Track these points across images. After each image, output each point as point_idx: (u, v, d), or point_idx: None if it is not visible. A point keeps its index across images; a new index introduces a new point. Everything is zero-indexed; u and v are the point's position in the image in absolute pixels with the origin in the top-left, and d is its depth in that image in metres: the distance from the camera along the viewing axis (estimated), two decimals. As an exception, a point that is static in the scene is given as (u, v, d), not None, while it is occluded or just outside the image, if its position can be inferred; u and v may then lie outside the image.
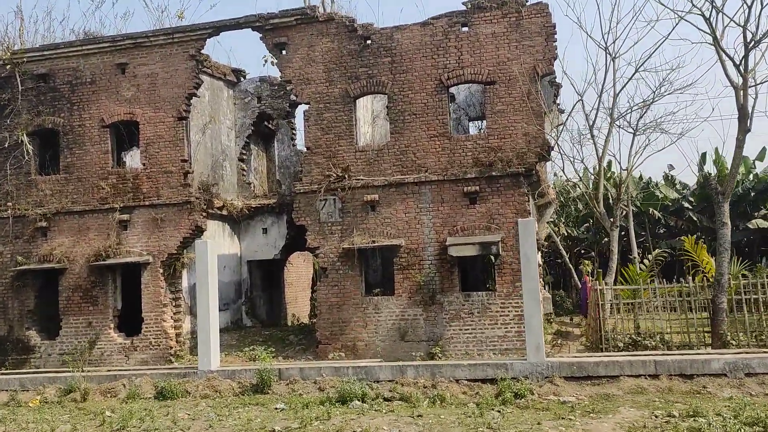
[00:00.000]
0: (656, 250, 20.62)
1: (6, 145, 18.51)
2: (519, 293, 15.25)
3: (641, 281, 15.24)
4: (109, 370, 14.46)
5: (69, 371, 13.73)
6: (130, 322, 17.77)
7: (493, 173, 15.59)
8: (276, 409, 10.73)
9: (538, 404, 10.85)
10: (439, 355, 15.20)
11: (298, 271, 25.05)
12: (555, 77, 18.75)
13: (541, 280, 19.24)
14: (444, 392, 11.22)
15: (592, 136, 16.60)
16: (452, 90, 20.05)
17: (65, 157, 18.27)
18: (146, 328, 17.24)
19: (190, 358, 16.80)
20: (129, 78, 18.03)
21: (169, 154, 17.57)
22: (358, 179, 16.32)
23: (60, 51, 18.41)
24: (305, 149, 17.05)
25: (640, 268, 17.55)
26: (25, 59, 18.48)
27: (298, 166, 17.40)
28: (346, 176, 16.36)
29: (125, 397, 11.82)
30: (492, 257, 15.74)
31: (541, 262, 19.71)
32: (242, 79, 21.91)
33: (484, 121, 19.30)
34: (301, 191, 16.71)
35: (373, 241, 16.04)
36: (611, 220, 17.14)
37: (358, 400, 10.84)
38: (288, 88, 18.62)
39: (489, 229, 15.53)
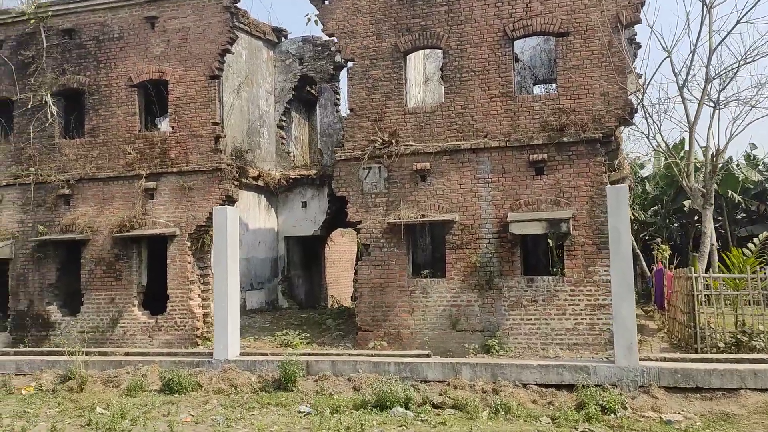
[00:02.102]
0: (764, 233, 17.55)
1: (29, 106, 16.96)
2: (592, 279, 12.84)
3: (747, 268, 12.47)
4: (114, 355, 12.64)
5: (67, 354, 11.95)
6: (156, 299, 16.01)
7: (565, 139, 13.12)
8: (299, 412, 8.64)
9: (634, 424, 8.34)
10: (496, 348, 12.95)
11: (341, 249, 23.02)
12: (635, 35, 16.00)
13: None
14: (508, 400, 8.86)
15: (683, 98, 13.84)
16: (516, 48, 17.53)
17: (90, 119, 16.59)
18: (171, 306, 15.53)
19: (219, 341, 14.94)
20: (159, 33, 16.17)
21: (200, 117, 15.67)
22: (407, 145, 14.05)
23: (87, 3, 16.71)
24: (348, 112, 14.81)
25: (744, 254, 14.70)
26: (50, 13, 16.84)
27: (342, 134, 15.24)
28: (394, 141, 14.12)
29: (126, 389, 9.92)
30: (559, 237, 13.27)
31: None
32: (283, 39, 19.88)
33: (553, 84, 16.76)
34: (343, 158, 14.55)
35: (423, 216, 13.78)
36: (703, 197, 14.37)
37: (401, 406, 8.58)
38: (331, 45, 16.41)
39: (558, 203, 13.07)
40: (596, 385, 9.51)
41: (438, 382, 9.87)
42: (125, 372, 10.58)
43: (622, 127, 13.91)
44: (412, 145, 14.06)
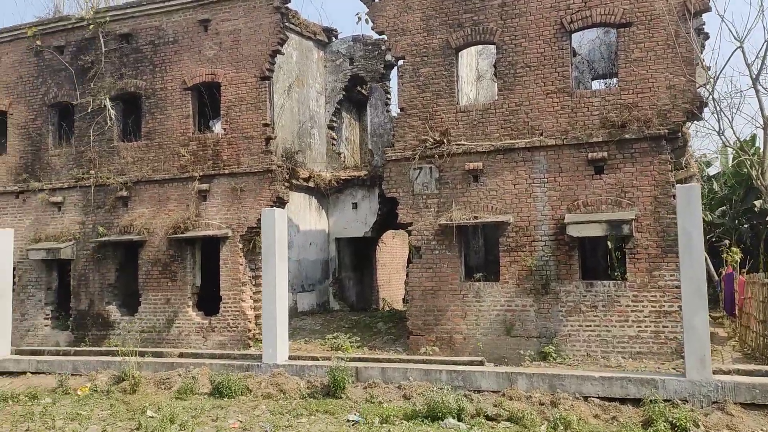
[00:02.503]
0: None
1: (89, 110, 17.33)
2: (657, 284, 12.09)
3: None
4: (169, 355, 12.68)
5: (120, 355, 12.06)
6: (211, 300, 16.08)
7: (626, 136, 12.40)
8: (348, 421, 8.35)
9: (708, 444, 7.70)
10: (553, 355, 12.37)
11: (392, 250, 22.73)
12: (704, 24, 15.01)
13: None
14: (568, 414, 8.31)
15: (757, 91, 12.89)
16: (574, 42, 16.81)
17: (147, 122, 16.81)
18: (224, 308, 15.54)
19: (270, 343, 14.86)
20: (211, 35, 16.24)
21: (251, 118, 15.64)
22: (459, 144, 13.60)
23: (143, 8, 16.94)
24: (398, 111, 14.47)
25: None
26: (107, 18, 17.19)
27: (392, 134, 14.91)
28: (445, 141, 13.70)
29: (177, 392, 9.84)
30: (621, 239, 12.55)
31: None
32: (334, 39, 19.70)
33: (613, 79, 16.00)
34: (393, 158, 14.22)
35: (475, 217, 13.31)
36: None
37: (453, 417, 8.15)
38: (381, 44, 16.10)
39: (619, 204, 12.36)
40: (665, 400, 8.83)
41: (492, 392, 9.38)
42: (177, 374, 10.53)
43: (689, 123, 13.06)
44: (464, 145, 13.61)
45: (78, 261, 17.19)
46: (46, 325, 17.45)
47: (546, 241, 12.95)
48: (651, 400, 8.91)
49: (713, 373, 9.28)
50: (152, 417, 8.48)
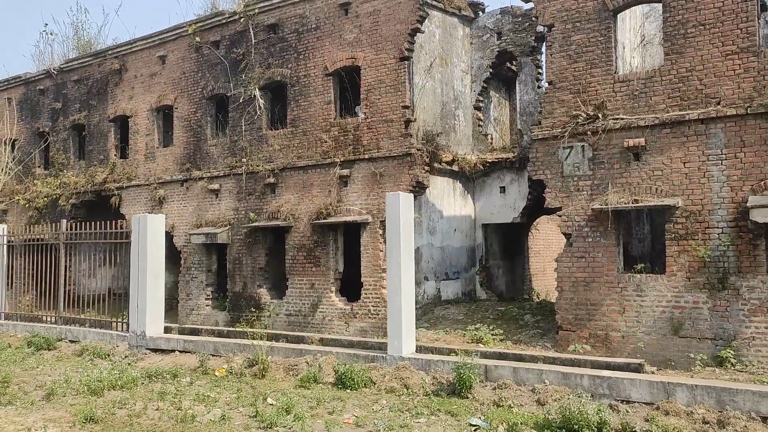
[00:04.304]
0: None
1: (241, 101, 17.91)
2: None
3: None
4: (310, 340, 12.61)
5: (249, 338, 12.27)
6: (354, 286, 15.97)
7: (833, 99, 10.02)
8: (470, 425, 7.45)
9: None
10: (732, 360, 10.52)
11: (546, 237, 21.20)
12: None
13: None
14: None
15: None
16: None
17: (292, 110, 17.05)
18: (365, 294, 15.32)
19: (412, 332, 14.37)
20: (351, 19, 15.98)
21: (390, 101, 15.16)
22: (617, 119, 11.99)
23: (288, -2, 17.06)
24: (546, 85, 13.14)
25: None
26: (256, 10, 17.62)
27: (539, 111, 13.62)
28: (600, 115, 12.16)
29: (301, 380, 9.62)
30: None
31: None
32: (480, 13, 18.52)
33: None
34: (540, 137, 12.95)
35: (636, 201, 11.66)
36: None
37: (592, 431, 6.91)
38: (531, 14, 14.77)
39: (822, 183, 10.08)
40: None
41: (645, 404, 7.91)
42: (305, 361, 10.36)
43: None
44: (622, 119, 11.97)
45: (233, 245, 17.96)
46: (207, 305, 18.50)
47: (723, 228, 10.98)
48: None
49: None
50: (272, 404, 8.31)
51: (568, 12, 12.74)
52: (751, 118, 10.79)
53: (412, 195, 10.99)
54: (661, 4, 12.08)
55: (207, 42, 18.89)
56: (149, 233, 13.63)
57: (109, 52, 21.58)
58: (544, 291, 19.66)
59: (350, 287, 16.33)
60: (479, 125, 18.66)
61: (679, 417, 7.48)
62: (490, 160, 17.58)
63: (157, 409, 8.46)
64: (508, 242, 19.20)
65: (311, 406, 8.37)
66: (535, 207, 17.17)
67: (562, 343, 12.38)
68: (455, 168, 17.10)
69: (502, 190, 17.66)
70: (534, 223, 19.42)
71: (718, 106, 11.06)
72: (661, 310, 11.47)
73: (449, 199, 17.27)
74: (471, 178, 17.88)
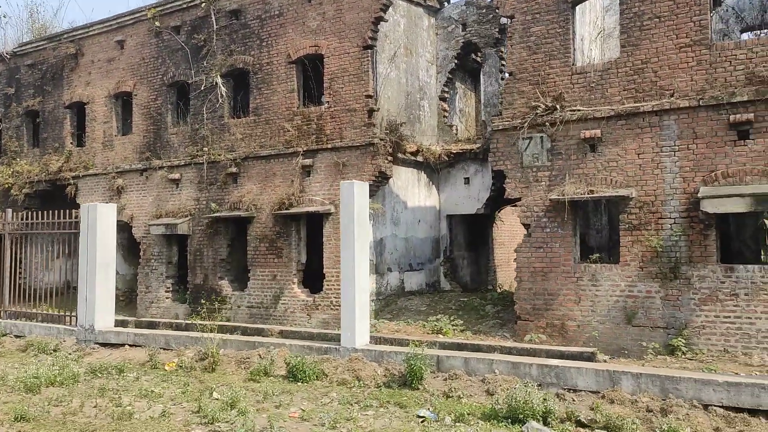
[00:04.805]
0: None
1: (202, 88, 17.96)
2: (815, 271, 10.24)
3: None
4: (270, 332, 12.81)
5: (198, 331, 12.39)
6: (317, 277, 16.18)
7: (779, 93, 10.55)
8: (418, 416, 7.70)
9: None
10: (683, 348, 11.02)
11: (512, 229, 21.61)
12: None
13: None
14: (680, 425, 7.04)
15: None
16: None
17: (254, 98, 17.15)
18: (327, 285, 15.56)
19: (374, 323, 14.68)
20: (315, 6, 16.15)
21: (353, 90, 15.38)
22: (574, 110, 12.40)
23: (250, -17, 17.12)
24: (507, 75, 13.49)
25: None
26: (218, -5, 17.58)
27: (500, 101, 13.97)
28: (558, 107, 12.57)
29: (251, 373, 9.77)
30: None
31: None
32: (446, 4, 18.83)
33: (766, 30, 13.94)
34: (500, 128, 13.31)
35: (591, 192, 12.11)
36: None
37: (537, 420, 7.17)
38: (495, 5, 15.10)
39: (768, 175, 10.62)
40: None
41: (591, 392, 8.27)
42: (257, 354, 10.52)
43: None
44: (579, 110, 12.39)
45: (194, 236, 18.03)
46: (167, 298, 18.55)
47: (676, 219, 11.47)
48: None
49: None
50: (217, 399, 8.41)
51: (528, 3, 13.09)
52: (702, 110, 11.28)
53: (367, 183, 11.23)
54: (619, -3, 12.51)
55: (167, 27, 18.86)
56: (99, 223, 13.50)
57: (65, 36, 21.38)
58: (508, 282, 20.11)
59: (314, 278, 16.55)
60: (444, 116, 19.00)
61: (624, 405, 7.83)
62: (454, 151, 17.92)
63: (94, 406, 8.39)
64: (473, 233, 19.60)
65: (258, 400, 8.46)
66: (499, 198, 17.54)
67: (521, 333, 12.80)
68: (420, 159, 17.41)
69: (467, 181, 18.03)
70: (499, 214, 19.85)
71: (672, 98, 11.54)
72: (615, 300, 11.94)
73: (414, 189, 17.58)
74: (436, 169, 18.22)
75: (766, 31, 12.37)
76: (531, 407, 7.25)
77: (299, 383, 9.29)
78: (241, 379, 9.72)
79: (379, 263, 16.23)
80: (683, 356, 11.00)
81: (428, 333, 13.32)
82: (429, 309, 15.62)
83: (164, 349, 11.64)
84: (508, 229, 21.56)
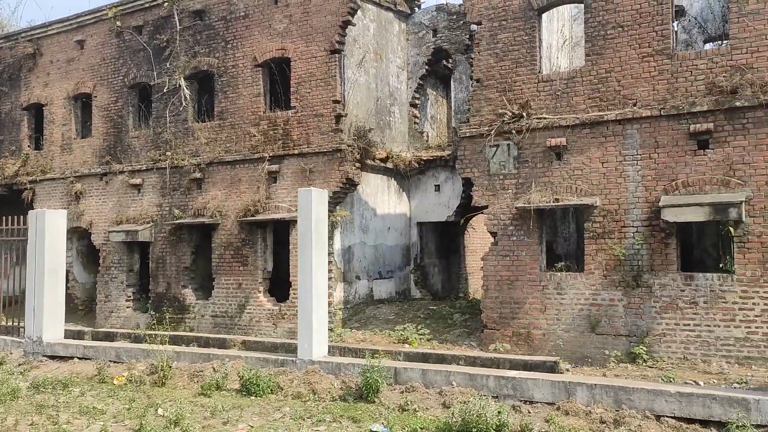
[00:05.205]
0: None
1: (165, 91, 18.16)
2: (772, 279, 10.84)
3: None
4: (233, 342, 13.08)
5: (147, 342, 12.48)
6: (284, 285, 16.46)
7: (737, 103, 11.22)
8: (371, 431, 8.01)
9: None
10: (644, 356, 11.57)
11: (483, 236, 21.93)
12: None
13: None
14: None
15: None
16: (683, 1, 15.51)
17: (219, 101, 17.43)
18: (294, 294, 15.82)
19: (341, 333, 15.02)
20: (281, 8, 16.51)
21: (320, 95, 15.75)
22: (540, 118, 12.93)
23: (215, -17, 17.42)
24: (474, 82, 13.98)
25: None
26: (182, -5, 17.84)
27: (467, 108, 14.45)
28: (524, 114, 13.08)
29: (202, 387, 9.93)
30: (731, 225, 11.45)
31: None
32: (417, 9, 19.30)
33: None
34: (468, 135, 13.80)
35: (557, 200, 12.63)
36: None
37: None
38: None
39: (727, 184, 11.26)
40: (757, 426, 7.72)
41: (547, 404, 8.67)
42: (211, 367, 10.71)
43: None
44: (545, 118, 12.91)
45: (156, 243, 18.20)
46: (127, 307, 18.67)
47: (638, 227, 12.04)
48: (738, 426, 7.75)
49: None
50: (162, 416, 8.51)
51: (495, 10, 13.61)
52: (664, 119, 11.87)
53: (326, 191, 11.58)
54: (582, 4, 13.07)
55: (129, 27, 19.06)
56: (48, 230, 13.48)
57: (23, 35, 21.44)
58: (479, 290, 20.60)
59: (280, 287, 16.82)
60: (415, 122, 19.46)
61: (578, 417, 8.25)
62: (425, 158, 18.38)
63: (30, 424, 8.34)
64: (445, 240, 20.06)
65: (205, 417, 8.57)
66: (469, 205, 18.02)
67: (487, 342, 13.24)
68: (390, 165, 17.82)
69: (437, 188, 18.49)
70: (471, 221, 20.33)
71: (635, 107, 12.11)
72: (580, 308, 12.45)
73: (383, 196, 17.99)
74: (406, 176, 18.65)
75: (726, 41, 12.97)
76: (485, 421, 7.59)
77: (252, 397, 9.45)
78: (192, 393, 9.83)
79: (347, 271, 16.59)
80: (644, 364, 11.53)
81: (394, 342, 13.69)
82: (397, 317, 16.00)
83: (115, 362, 11.70)
84: (480, 237, 22.03)
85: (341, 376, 9.86)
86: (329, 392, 9.39)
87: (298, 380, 9.77)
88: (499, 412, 7.78)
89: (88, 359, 12.15)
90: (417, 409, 8.72)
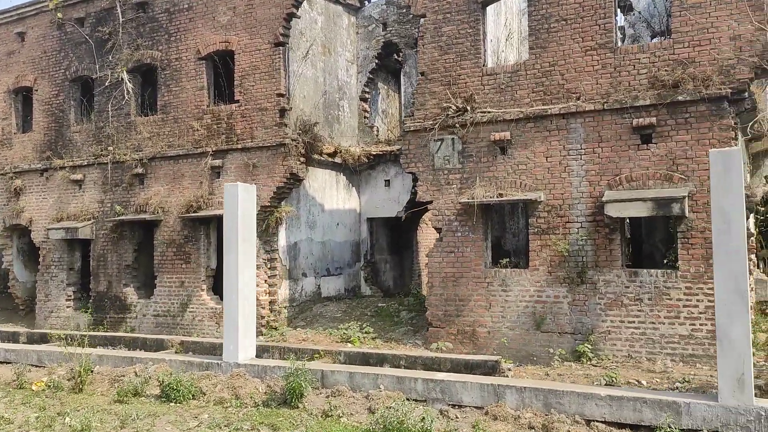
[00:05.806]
0: None
1: (107, 84, 17.09)
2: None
3: None
4: (170, 344, 12.19)
5: (60, 344, 11.56)
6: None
7: (680, 97, 10.75)
8: None
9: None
10: (589, 354, 11.06)
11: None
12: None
13: (752, 256, 13.83)
14: None
15: None
16: (629, -6, 15.09)
17: (162, 95, 16.44)
18: (237, 292, 14.91)
19: (285, 331, 14.26)
20: (225, 0, 15.52)
21: (265, 88, 14.91)
22: (484, 112, 12.31)
23: (158, -26, 16.41)
24: (419, 76, 13.32)
25: None
26: (123, -14, 16.79)
27: (412, 102, 13.78)
28: (469, 108, 12.45)
29: (118, 394, 9.10)
30: (674, 220, 11.00)
31: (754, 231, 14.19)
32: (366, 2, 18.56)
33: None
34: (412, 129, 13.12)
35: (501, 195, 12.03)
36: None
37: None
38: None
39: (670, 179, 10.78)
40: (688, 430, 7.28)
41: (476, 408, 8.04)
42: (133, 371, 9.89)
43: (760, 81, 11.22)
44: (489, 112, 12.30)
45: (97, 241, 17.15)
46: (68, 307, 17.57)
47: (582, 223, 11.51)
48: (669, 429, 7.32)
49: (756, 397, 7.55)
50: (71, 426, 7.73)
51: (440, 2, 12.95)
52: (607, 113, 11.35)
53: (254, 186, 10.79)
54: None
55: (71, 19, 17.91)
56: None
57: (-39, 27, 20.06)
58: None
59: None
60: (365, 117, 18.73)
61: (507, 422, 7.63)
62: (374, 153, 17.68)
63: None
64: (397, 237, 19.41)
65: (115, 426, 7.88)
66: (418, 201, 17.41)
67: (432, 340, 12.60)
68: (338, 160, 17.08)
69: (387, 183, 17.82)
70: (423, 217, 19.71)
71: (578, 101, 11.57)
72: (525, 305, 11.89)
73: (332, 192, 17.23)
74: (356, 171, 17.93)
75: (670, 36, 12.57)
76: (407, 428, 6.95)
77: (172, 404, 8.69)
78: (109, 400, 9.04)
79: (292, 268, 15.80)
80: (589, 363, 11.02)
81: (337, 341, 12.98)
82: (344, 315, 15.29)
83: (36, 366, 10.81)
84: (433, 233, 21.46)
85: (267, 380, 9.11)
86: (252, 397, 8.64)
87: (222, 385, 9.01)
88: (423, 419, 7.14)
89: (8, 363, 11.17)
90: (341, 415, 8.04)
